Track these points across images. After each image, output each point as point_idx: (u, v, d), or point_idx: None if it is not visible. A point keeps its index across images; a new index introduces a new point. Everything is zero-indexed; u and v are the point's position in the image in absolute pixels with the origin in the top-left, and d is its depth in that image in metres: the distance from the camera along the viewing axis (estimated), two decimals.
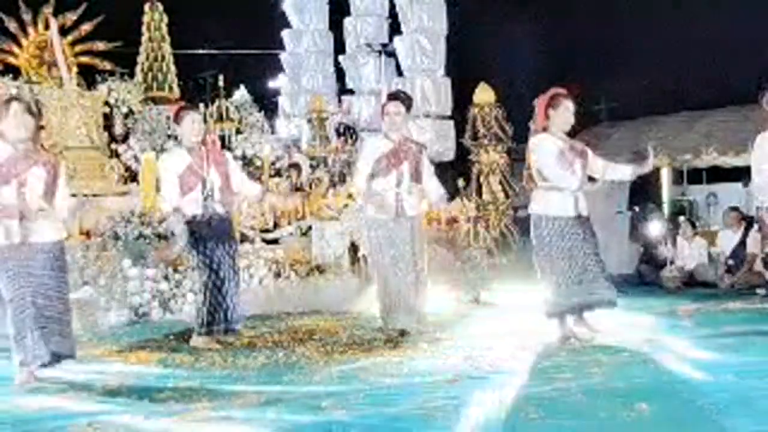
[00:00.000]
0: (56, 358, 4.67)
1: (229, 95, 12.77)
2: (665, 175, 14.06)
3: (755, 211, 6.16)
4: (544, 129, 5.69)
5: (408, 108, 6.23)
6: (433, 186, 6.31)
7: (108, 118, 10.66)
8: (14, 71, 10.74)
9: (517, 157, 12.02)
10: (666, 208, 13.64)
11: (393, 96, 6.34)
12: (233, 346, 5.73)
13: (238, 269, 5.90)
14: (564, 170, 5.58)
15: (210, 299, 5.70)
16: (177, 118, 5.86)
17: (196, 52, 17.13)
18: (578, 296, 5.53)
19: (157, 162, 6.82)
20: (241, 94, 12.93)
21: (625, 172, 5.92)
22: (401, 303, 5.98)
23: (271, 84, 19.53)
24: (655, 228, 10.73)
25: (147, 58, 11.79)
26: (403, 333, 5.92)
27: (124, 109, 10.85)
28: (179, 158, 5.77)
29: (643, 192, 13.29)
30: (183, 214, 5.68)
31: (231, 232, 5.93)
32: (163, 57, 11.83)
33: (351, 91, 17.09)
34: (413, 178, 6.11)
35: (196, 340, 5.77)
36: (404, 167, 6.08)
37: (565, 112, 5.64)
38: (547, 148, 5.62)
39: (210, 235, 5.71)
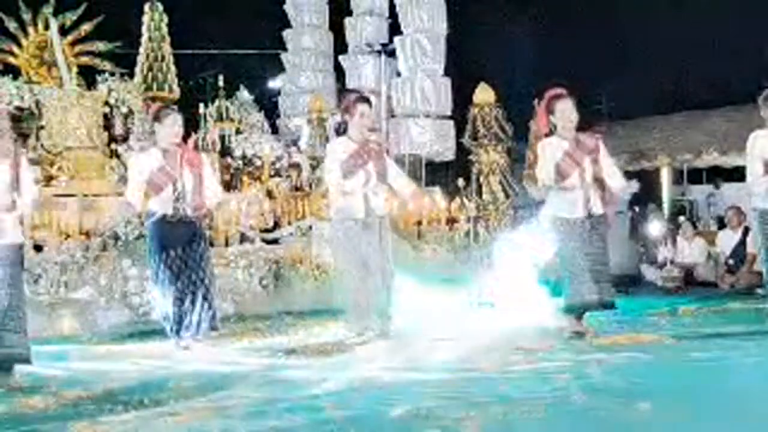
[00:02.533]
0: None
1: (229, 95, 12.77)
2: (665, 175, 14.07)
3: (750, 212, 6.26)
4: (552, 132, 5.75)
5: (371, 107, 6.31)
6: (403, 182, 6.31)
7: (108, 118, 10.65)
8: (14, 71, 10.74)
9: (517, 157, 12.03)
10: (666, 208, 13.64)
11: (364, 98, 6.27)
12: (232, 346, 5.74)
13: (205, 274, 5.72)
14: (570, 170, 5.63)
15: (168, 308, 5.61)
16: (158, 118, 5.80)
17: (196, 52, 17.12)
18: (595, 295, 5.62)
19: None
20: (241, 93, 12.93)
21: (616, 186, 5.87)
22: (370, 305, 5.95)
23: (271, 84, 19.53)
24: (655, 228, 10.73)
25: (147, 58, 11.78)
26: (369, 335, 5.91)
27: (124, 109, 10.84)
28: (151, 158, 5.72)
29: (643, 192, 13.29)
30: (134, 212, 5.86)
31: (200, 236, 5.79)
32: (163, 57, 11.81)
33: (351, 91, 17.08)
34: (379, 179, 6.09)
35: (173, 346, 5.69)
36: (370, 167, 6.05)
37: (563, 113, 5.70)
38: (550, 153, 5.70)
39: (177, 238, 5.63)
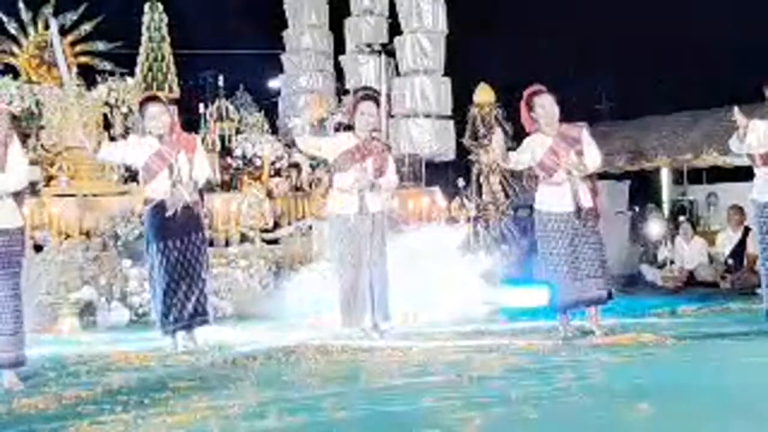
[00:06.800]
0: None
1: (229, 95, 12.76)
2: (665, 175, 14.06)
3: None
4: (537, 130, 5.80)
5: (378, 106, 6.31)
6: (384, 180, 6.22)
7: (108, 118, 10.64)
8: (14, 71, 10.73)
9: None
10: (666, 208, 13.63)
11: (366, 96, 6.32)
12: (232, 347, 5.74)
13: (202, 262, 5.74)
14: (554, 166, 5.68)
15: (160, 298, 5.63)
16: (140, 109, 5.85)
17: (196, 52, 17.10)
18: (575, 293, 5.61)
19: None
20: (241, 93, 12.94)
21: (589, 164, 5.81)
22: (357, 301, 5.99)
23: (271, 84, 19.48)
24: (655, 228, 10.73)
25: (147, 58, 11.77)
26: (359, 331, 6.00)
27: (124, 109, 10.83)
28: (146, 145, 5.73)
29: (643, 192, 13.29)
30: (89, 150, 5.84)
31: (197, 222, 5.80)
32: (163, 57, 11.81)
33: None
34: (376, 176, 6.11)
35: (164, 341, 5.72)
36: (367, 164, 6.08)
37: (542, 110, 5.77)
38: (531, 145, 5.78)
39: (174, 227, 5.62)
